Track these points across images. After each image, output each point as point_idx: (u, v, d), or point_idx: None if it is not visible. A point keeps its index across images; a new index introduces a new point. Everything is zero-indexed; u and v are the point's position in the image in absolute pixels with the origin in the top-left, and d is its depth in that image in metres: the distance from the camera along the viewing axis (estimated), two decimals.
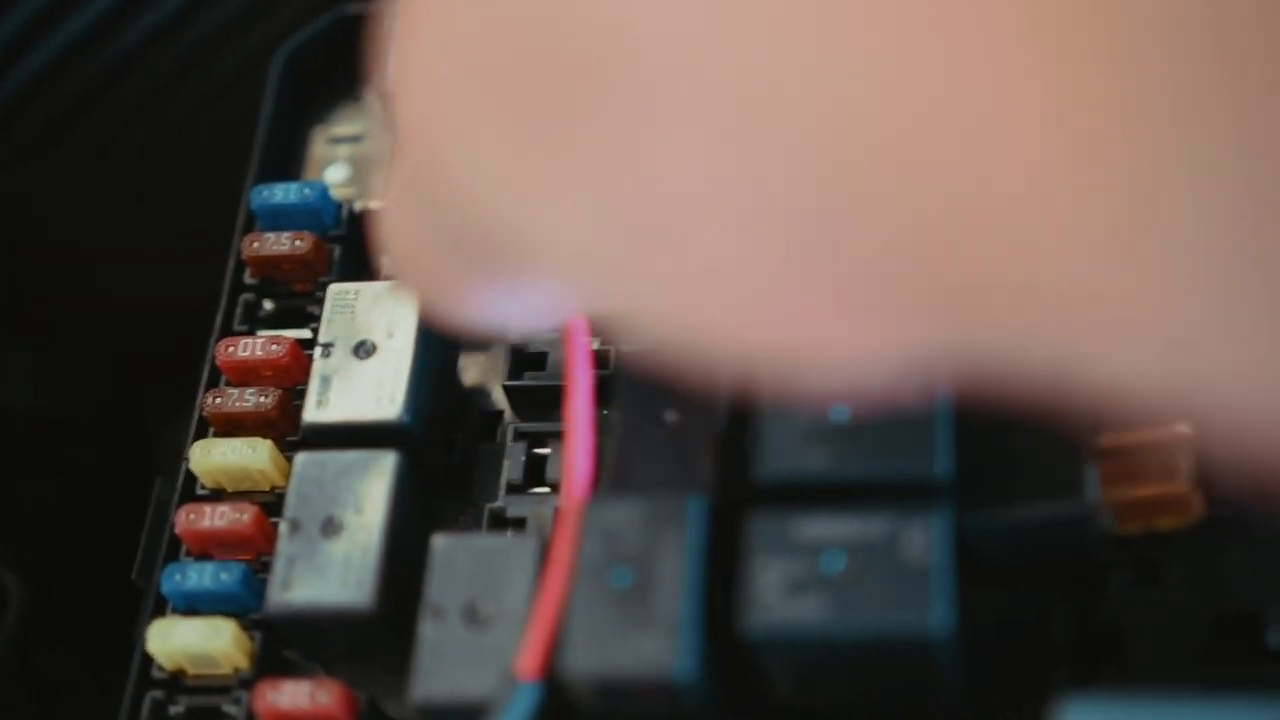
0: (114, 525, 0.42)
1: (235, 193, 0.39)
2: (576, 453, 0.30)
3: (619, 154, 0.19)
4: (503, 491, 0.33)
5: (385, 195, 0.26)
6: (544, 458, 0.34)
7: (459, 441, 0.34)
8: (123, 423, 0.48)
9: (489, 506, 0.33)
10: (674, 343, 0.21)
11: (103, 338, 0.48)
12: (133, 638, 0.35)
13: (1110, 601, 0.30)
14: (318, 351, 0.33)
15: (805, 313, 0.19)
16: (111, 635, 0.38)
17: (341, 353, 0.33)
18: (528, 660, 0.28)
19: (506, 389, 0.34)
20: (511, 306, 0.26)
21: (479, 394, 0.35)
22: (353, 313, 0.33)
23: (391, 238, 0.26)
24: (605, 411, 0.32)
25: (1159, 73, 0.16)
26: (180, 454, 0.36)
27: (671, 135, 0.19)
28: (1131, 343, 0.18)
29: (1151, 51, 0.16)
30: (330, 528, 0.31)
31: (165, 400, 0.48)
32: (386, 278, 0.35)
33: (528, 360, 0.35)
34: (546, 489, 0.33)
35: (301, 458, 0.32)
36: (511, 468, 0.33)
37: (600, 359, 0.33)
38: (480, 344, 0.36)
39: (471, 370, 0.36)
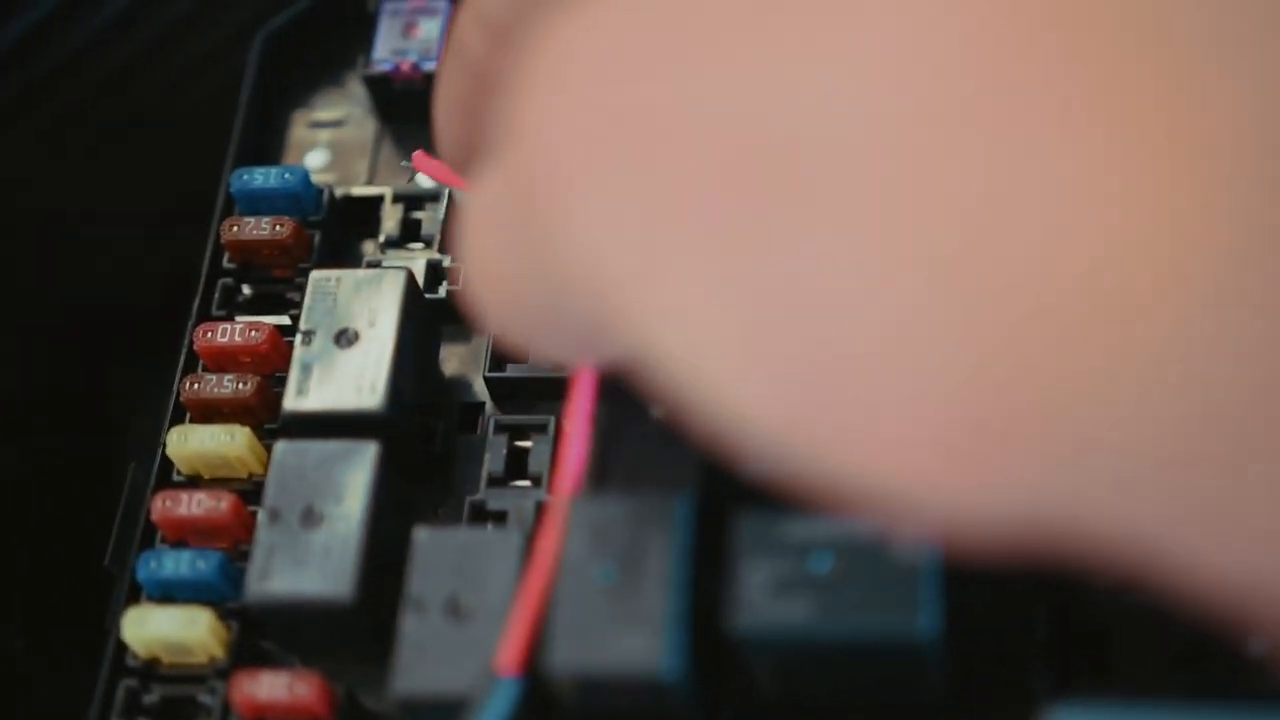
0: (81, 506, 0.41)
1: (210, 173, 0.39)
2: (569, 451, 0.29)
3: (770, 246, 0.19)
4: (484, 484, 0.33)
5: (476, 207, 0.25)
6: (525, 450, 0.33)
7: (439, 432, 0.34)
8: (89, 402, 0.48)
9: (469, 499, 0.33)
10: (770, 447, 0.20)
11: (70, 315, 0.48)
12: (104, 623, 0.34)
13: (1093, 604, 0.30)
14: (298, 339, 0.33)
15: (931, 446, 0.18)
16: (77, 618, 0.38)
17: (322, 341, 0.32)
18: (509, 655, 0.28)
19: (488, 380, 0.34)
20: (585, 355, 0.26)
21: (460, 384, 0.35)
22: (334, 300, 0.33)
23: (479, 258, 0.25)
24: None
25: None
26: (150, 436, 0.36)
27: (834, 234, 0.18)
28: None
29: None
30: (310, 517, 0.30)
31: (132, 380, 0.48)
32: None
33: (510, 352, 0.34)
34: (528, 482, 0.33)
35: (281, 446, 0.31)
36: (493, 460, 0.33)
37: None
38: (462, 335, 0.35)
39: (452, 360, 0.35)
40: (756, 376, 0.19)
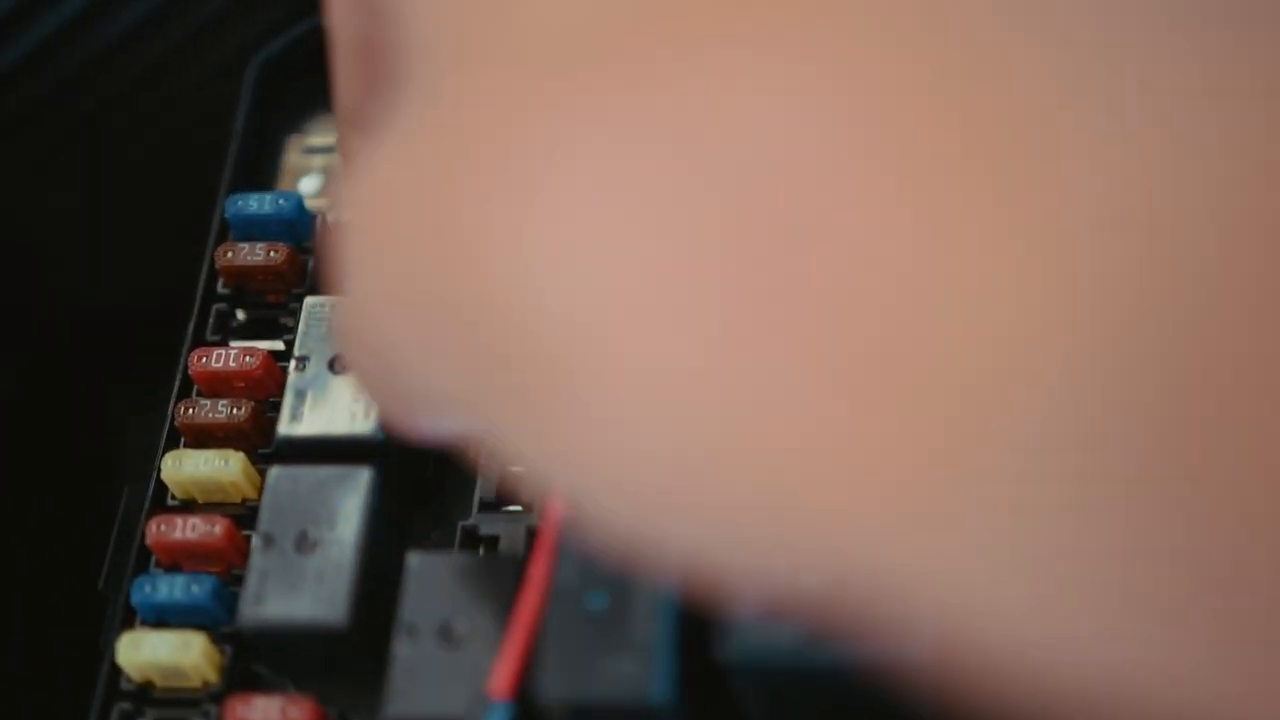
0: (74, 528, 0.41)
1: (204, 198, 0.39)
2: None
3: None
4: (475, 509, 0.33)
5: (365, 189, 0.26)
6: (517, 475, 0.34)
7: (431, 457, 0.34)
8: (81, 423, 0.48)
9: (461, 524, 0.33)
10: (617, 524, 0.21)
11: (61, 337, 0.48)
12: (96, 645, 0.34)
13: None
14: (292, 364, 0.33)
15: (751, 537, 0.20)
16: (70, 640, 0.38)
17: (316, 366, 0.33)
18: (500, 681, 0.28)
19: None
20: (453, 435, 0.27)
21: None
22: (329, 327, 0.33)
23: (351, 343, 0.26)
24: None
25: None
26: (143, 459, 0.36)
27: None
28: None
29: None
30: (304, 543, 0.31)
31: (124, 402, 0.48)
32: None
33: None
34: (519, 507, 0.33)
35: (275, 471, 0.32)
36: (484, 485, 0.33)
37: None
38: None
39: None
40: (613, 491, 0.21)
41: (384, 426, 0.30)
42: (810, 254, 0.18)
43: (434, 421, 0.25)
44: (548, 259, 0.19)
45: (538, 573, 0.28)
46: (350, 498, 0.31)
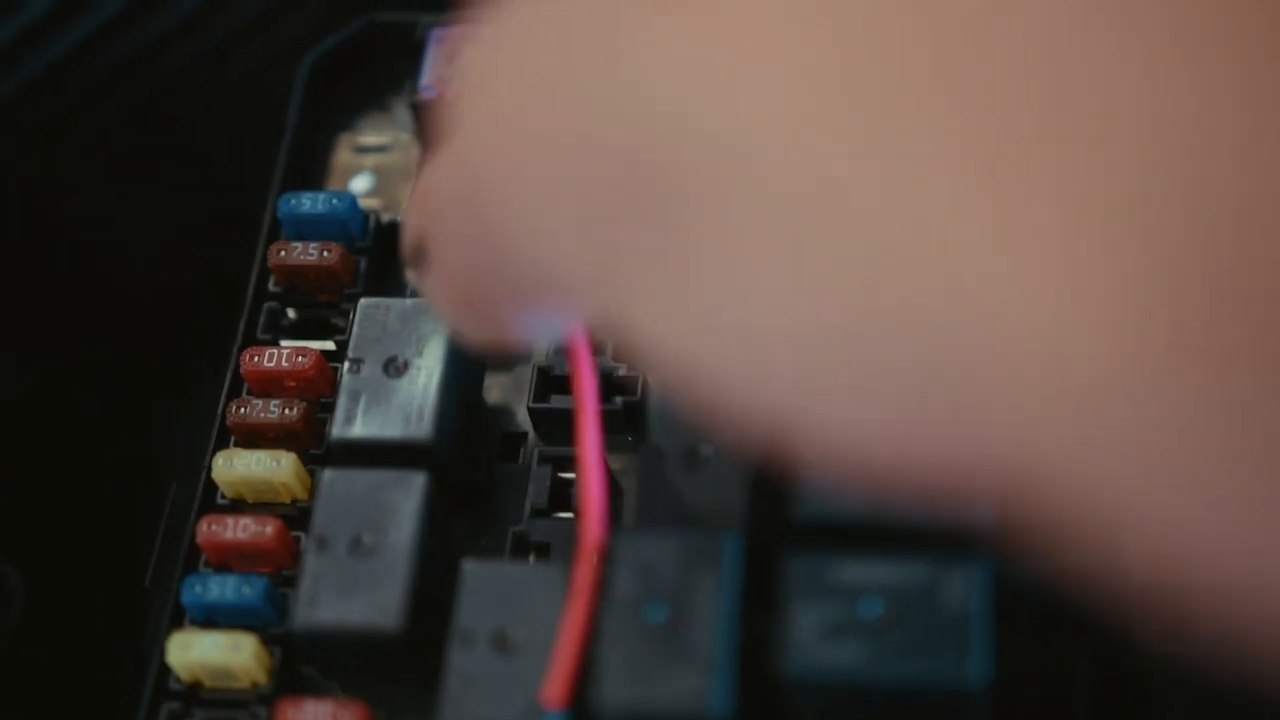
0: (117, 525, 0.41)
1: (251, 195, 0.39)
2: (590, 486, 0.29)
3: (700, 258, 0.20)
4: (527, 514, 0.33)
5: (417, 207, 0.26)
6: (569, 482, 0.34)
7: (482, 461, 0.34)
8: (125, 419, 0.48)
9: (513, 530, 0.33)
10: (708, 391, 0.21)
11: (105, 333, 0.48)
12: (141, 642, 0.34)
13: (1135, 652, 0.30)
14: (346, 366, 0.33)
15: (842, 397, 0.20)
16: (113, 638, 0.38)
17: (371, 368, 0.33)
18: (554, 691, 0.28)
19: (531, 410, 0.34)
20: (545, 330, 0.26)
21: (502, 413, 0.35)
22: (383, 328, 0.33)
23: (430, 254, 0.26)
24: (635, 439, 0.33)
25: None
26: (187, 457, 0.36)
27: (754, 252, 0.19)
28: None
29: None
30: (358, 546, 0.31)
31: (166, 400, 0.48)
32: (414, 291, 0.35)
33: (554, 382, 0.35)
34: (570, 514, 0.33)
35: (329, 474, 0.32)
36: (536, 491, 0.33)
37: (628, 385, 0.33)
38: (505, 364, 0.36)
39: (495, 390, 0.35)
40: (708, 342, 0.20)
41: (479, 343, 0.28)
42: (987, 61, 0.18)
43: (540, 318, 0.25)
44: (694, 69, 0.19)
45: (583, 581, 0.28)
46: (405, 501, 0.31)
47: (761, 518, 0.30)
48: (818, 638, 0.27)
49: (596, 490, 0.29)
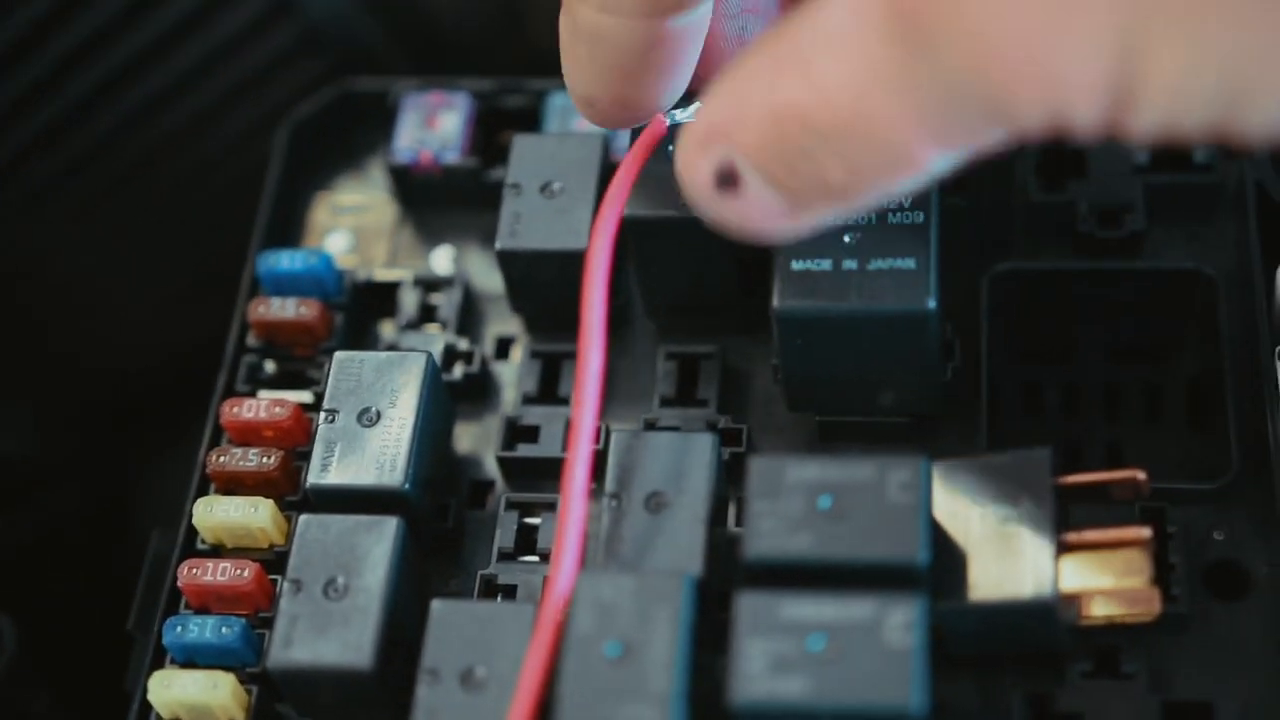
0: (97, 569, 0.43)
1: (231, 253, 0.41)
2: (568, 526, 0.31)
3: None
4: (494, 558, 0.35)
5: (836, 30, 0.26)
6: (534, 527, 0.35)
7: (451, 508, 0.35)
8: (103, 468, 0.49)
9: (481, 573, 0.34)
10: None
11: (86, 384, 0.49)
12: (123, 683, 0.36)
13: (1070, 690, 0.32)
14: (321, 416, 0.34)
15: None
16: (96, 679, 0.39)
17: (345, 419, 0.34)
18: None
19: (500, 460, 0.36)
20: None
21: (471, 462, 0.37)
22: (358, 380, 0.34)
23: (850, 75, 0.26)
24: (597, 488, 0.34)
25: None
26: (167, 504, 0.37)
27: None
28: None
29: None
30: (332, 589, 0.32)
31: (145, 448, 0.49)
32: (392, 346, 0.36)
33: (521, 433, 0.36)
34: (536, 558, 0.35)
35: (305, 519, 0.33)
36: (503, 536, 0.35)
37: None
38: (474, 415, 0.37)
39: (464, 439, 0.37)
40: None
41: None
42: None
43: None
44: None
45: (546, 619, 0.29)
46: (378, 546, 0.32)
47: (723, 559, 0.31)
48: (766, 670, 0.28)
49: (575, 537, 0.30)
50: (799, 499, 0.30)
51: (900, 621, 0.28)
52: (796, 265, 0.32)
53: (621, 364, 0.37)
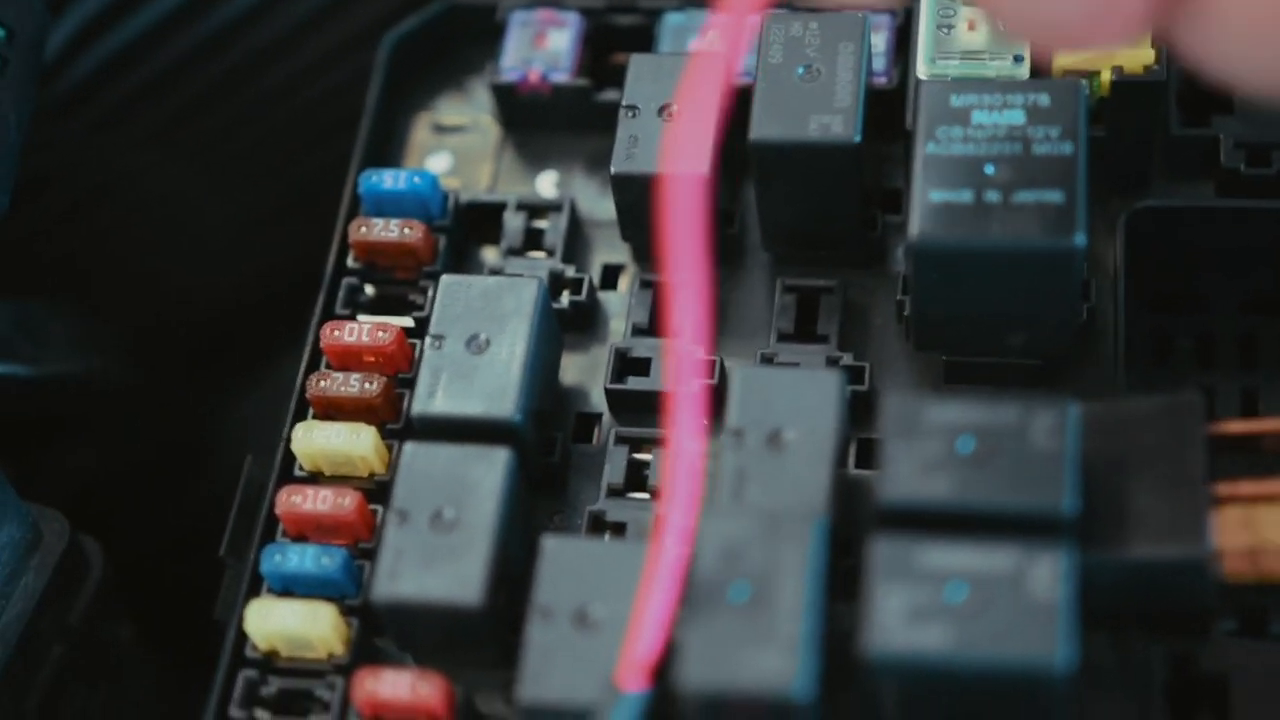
0: (191, 495, 0.42)
1: (325, 172, 0.39)
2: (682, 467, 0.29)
3: None
4: (603, 494, 0.33)
5: None
6: (644, 463, 0.34)
7: (558, 441, 0.34)
8: (202, 394, 0.48)
9: (589, 509, 0.33)
10: None
11: (176, 307, 0.48)
12: (210, 612, 0.34)
13: (1214, 650, 0.30)
14: (428, 342, 0.33)
15: None
16: (184, 605, 0.38)
17: (453, 345, 0.33)
18: (631, 668, 0.28)
19: (608, 392, 0.34)
20: None
21: (577, 394, 0.35)
22: (466, 306, 0.33)
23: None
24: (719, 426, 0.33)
25: None
26: (260, 430, 0.36)
27: None
28: None
29: None
30: (439, 521, 0.31)
31: (235, 372, 0.48)
32: (494, 270, 0.35)
33: (631, 365, 0.35)
34: (646, 495, 0.33)
35: (411, 448, 0.32)
36: (612, 471, 0.34)
37: (709, 370, 0.33)
38: (581, 345, 0.36)
39: (571, 370, 0.36)
40: None
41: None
42: None
43: None
44: None
45: (667, 559, 0.28)
46: (487, 477, 0.31)
47: (844, 502, 0.30)
48: (903, 620, 0.27)
49: (694, 475, 0.29)
50: (938, 441, 0.28)
51: (1047, 573, 0.27)
52: (935, 196, 0.31)
53: (735, 296, 0.36)
